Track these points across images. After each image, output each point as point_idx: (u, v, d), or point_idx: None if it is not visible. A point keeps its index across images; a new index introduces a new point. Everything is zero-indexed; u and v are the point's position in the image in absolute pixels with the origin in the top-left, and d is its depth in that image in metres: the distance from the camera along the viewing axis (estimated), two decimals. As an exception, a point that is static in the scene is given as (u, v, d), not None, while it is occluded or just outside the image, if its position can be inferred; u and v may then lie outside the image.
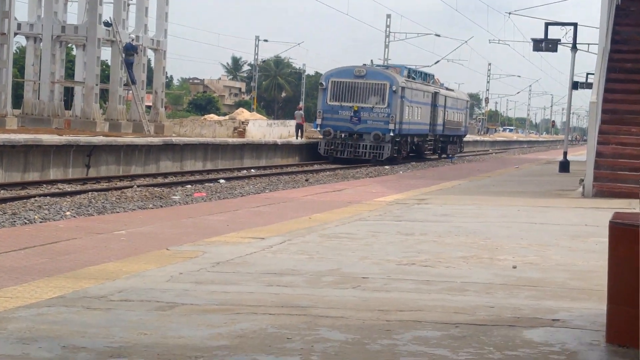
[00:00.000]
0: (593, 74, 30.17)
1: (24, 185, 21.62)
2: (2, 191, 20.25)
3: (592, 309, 6.66)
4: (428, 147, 48.54)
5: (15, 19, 34.70)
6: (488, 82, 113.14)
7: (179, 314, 6.19)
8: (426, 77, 49.36)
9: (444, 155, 53.10)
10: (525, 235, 11.46)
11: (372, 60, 45.28)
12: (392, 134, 40.55)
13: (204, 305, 6.48)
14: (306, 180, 28.62)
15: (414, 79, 45.69)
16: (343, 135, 40.85)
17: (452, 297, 7.06)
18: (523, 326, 6.08)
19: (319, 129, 41.65)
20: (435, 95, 48.85)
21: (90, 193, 20.48)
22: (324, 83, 41.53)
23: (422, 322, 6.11)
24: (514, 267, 8.68)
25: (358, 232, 11.31)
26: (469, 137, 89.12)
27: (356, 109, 40.59)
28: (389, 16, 72.35)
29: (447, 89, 54.51)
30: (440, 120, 50.05)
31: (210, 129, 44.85)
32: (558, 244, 10.59)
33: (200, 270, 7.99)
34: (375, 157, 40.58)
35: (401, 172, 35.13)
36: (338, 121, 40.83)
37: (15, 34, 36.63)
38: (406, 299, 6.95)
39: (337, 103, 40.94)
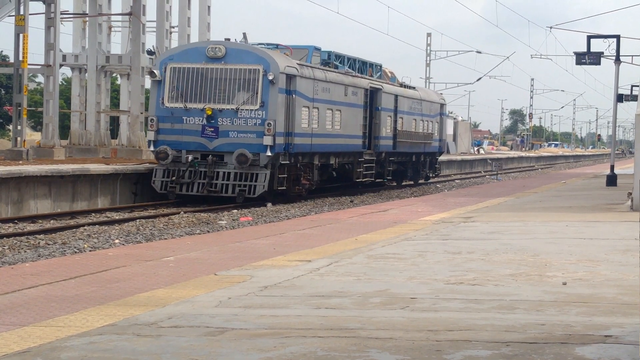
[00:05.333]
0: (638, 85, 29.70)
1: (72, 214, 21.89)
2: (52, 221, 20.52)
3: (645, 324, 6.57)
4: (364, 172, 32.09)
5: (61, 50, 35.26)
6: (531, 97, 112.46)
7: (229, 338, 6.22)
8: (364, 67, 34.01)
9: (409, 182, 39.06)
10: (574, 250, 11.34)
11: (244, 34, 28.22)
12: (270, 152, 25.23)
13: (254, 330, 6.51)
14: (351, 201, 28.65)
15: (336, 67, 30.97)
16: (191, 158, 25.56)
17: (502, 316, 7.01)
18: (575, 343, 6.01)
19: (152, 147, 26.27)
20: (373, 92, 32.85)
21: (138, 220, 20.68)
22: (157, 72, 26.05)
23: (472, 342, 6.07)
24: (564, 284, 8.60)
25: (405, 252, 11.28)
26: (512, 154, 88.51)
27: (210, 112, 25.49)
28: (429, 35, 72.37)
29: (404, 85, 38.10)
30: (386, 131, 34.10)
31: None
32: (608, 259, 10.47)
33: (248, 295, 8.02)
34: (242, 192, 25.25)
35: (446, 190, 34.99)
36: (182, 134, 25.78)
37: (61, 65, 37.20)
38: (455, 318, 6.92)
39: (179, 105, 25.84)
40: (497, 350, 5.82)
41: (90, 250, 14.99)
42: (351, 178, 31.71)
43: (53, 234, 17.66)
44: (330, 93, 29.04)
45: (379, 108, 33.20)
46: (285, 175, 26.34)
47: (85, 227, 18.82)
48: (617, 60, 29.02)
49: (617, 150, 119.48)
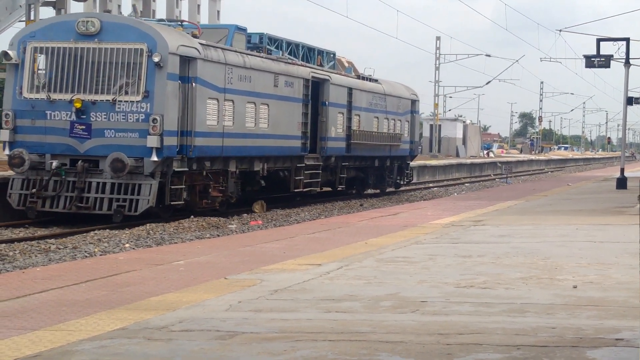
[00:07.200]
0: (648, 88, 29.51)
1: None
2: (62, 225, 20.56)
3: (656, 328, 6.55)
4: (307, 181, 26.51)
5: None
6: (541, 100, 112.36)
7: (239, 342, 6.23)
8: (311, 54, 28.15)
9: (374, 190, 33.45)
10: (585, 254, 11.32)
11: (134, 6, 23.72)
12: (157, 157, 19.52)
13: (264, 334, 6.51)
14: (360, 205, 28.65)
15: (269, 52, 25.20)
16: (55, 165, 19.88)
17: (513, 319, 7.00)
18: (586, 346, 6.01)
19: (6, 150, 20.57)
20: (318, 84, 27.08)
21: (148, 224, 20.69)
22: (12, 54, 20.36)
23: (483, 345, 6.07)
24: (575, 287, 8.58)
25: (415, 255, 11.28)
26: (522, 157, 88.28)
27: (79, 105, 19.83)
28: (438, 38, 72.41)
29: (363, 77, 31.44)
30: (337, 131, 28.18)
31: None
32: (618, 262, 10.45)
33: (258, 299, 8.03)
34: (121, 209, 19.56)
35: (455, 194, 34.95)
36: (46, 134, 20.14)
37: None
38: (466, 321, 6.91)
39: (41, 95, 20.17)
40: (508, 353, 5.82)
41: (100, 255, 15.02)
42: (288, 187, 26.15)
43: (64, 239, 17.69)
44: (252, 82, 23.06)
45: (326, 103, 27.31)
46: (183, 186, 20.62)
47: (96, 232, 18.85)
48: (627, 63, 28.97)
49: (628, 153, 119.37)
